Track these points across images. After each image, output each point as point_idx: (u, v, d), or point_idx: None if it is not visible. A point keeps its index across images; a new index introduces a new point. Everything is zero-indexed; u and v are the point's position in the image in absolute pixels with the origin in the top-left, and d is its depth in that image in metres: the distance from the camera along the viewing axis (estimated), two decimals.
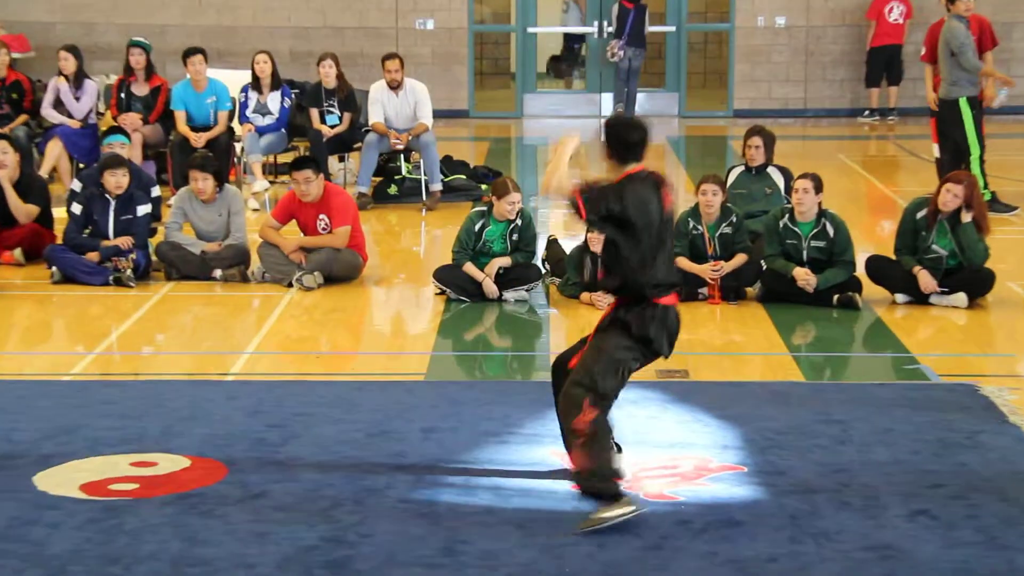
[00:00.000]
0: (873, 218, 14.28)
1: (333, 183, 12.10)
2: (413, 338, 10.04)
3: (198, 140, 14.18)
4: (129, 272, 10.95)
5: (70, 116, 14.69)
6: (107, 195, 11.23)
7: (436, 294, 10.67)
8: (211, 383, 8.58)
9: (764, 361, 9.18)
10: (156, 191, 12.03)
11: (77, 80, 14.75)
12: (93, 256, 11.07)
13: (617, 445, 6.71)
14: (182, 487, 6.60)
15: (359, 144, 14.78)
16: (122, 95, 14.72)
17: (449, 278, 10.57)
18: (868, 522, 6.18)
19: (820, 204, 10.37)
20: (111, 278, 10.95)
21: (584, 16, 23.72)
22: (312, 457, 7.01)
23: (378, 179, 14.90)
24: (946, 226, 10.28)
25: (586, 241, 10.44)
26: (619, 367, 6.27)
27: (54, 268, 11.09)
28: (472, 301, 10.49)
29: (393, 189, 14.73)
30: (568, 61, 25.03)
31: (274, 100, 14.69)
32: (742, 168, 11.87)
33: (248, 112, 14.67)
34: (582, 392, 6.21)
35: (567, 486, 6.57)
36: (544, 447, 7.07)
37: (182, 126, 14.44)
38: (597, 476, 6.21)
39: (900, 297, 10.40)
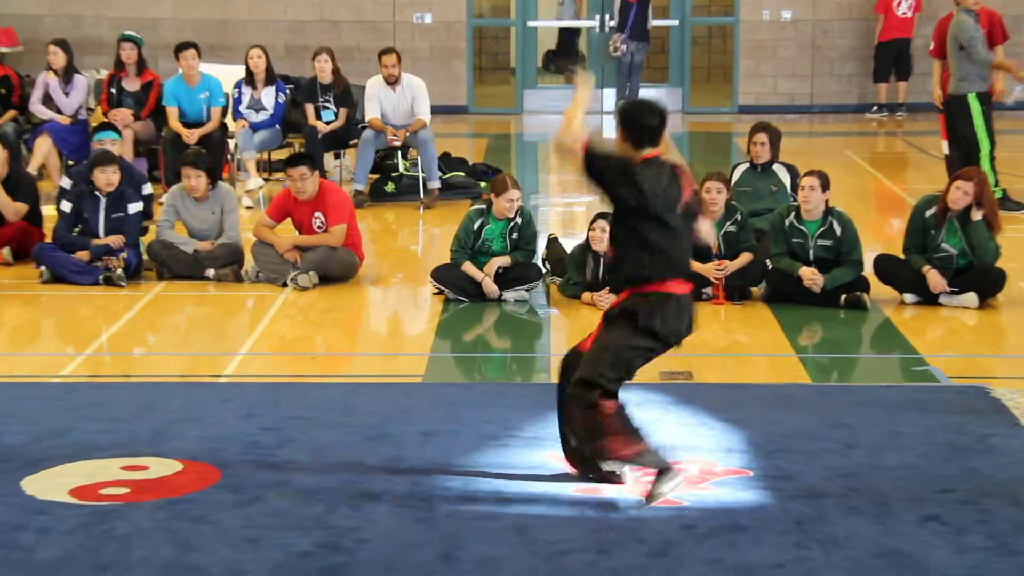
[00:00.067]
0: (881, 216, 14.29)
1: (329, 180, 12.10)
2: (411, 339, 10.03)
3: (191, 136, 14.17)
4: (120, 271, 10.94)
5: (59, 112, 14.68)
6: (97, 193, 11.22)
7: (434, 294, 10.66)
8: (204, 385, 8.57)
9: (769, 363, 9.17)
10: (148, 189, 12.02)
11: (67, 75, 14.75)
12: (83, 255, 11.06)
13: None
14: (174, 492, 6.59)
15: (355, 141, 14.77)
16: (113, 90, 14.72)
17: (447, 278, 10.56)
18: (876, 527, 6.17)
19: (827, 202, 10.36)
20: (101, 277, 10.94)
21: (579, 9, 23.75)
22: (307, 461, 7.00)
23: (375, 176, 14.90)
24: (956, 224, 10.27)
25: (588, 240, 10.45)
26: (627, 364, 6.36)
27: (43, 267, 11.09)
28: (471, 301, 10.48)
29: (390, 187, 14.73)
30: (564, 55, 24.95)
31: (268, 96, 14.69)
32: (747, 165, 11.87)
33: (242, 108, 14.67)
34: (592, 392, 6.28)
35: (568, 490, 6.56)
36: (544, 450, 7.06)
37: (174, 122, 14.43)
38: (648, 454, 6.33)
39: (909, 297, 10.39)
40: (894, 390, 8.38)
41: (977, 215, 10.22)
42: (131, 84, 14.74)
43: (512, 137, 20.50)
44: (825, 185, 10.30)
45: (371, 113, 14.50)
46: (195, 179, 11.25)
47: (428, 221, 13.99)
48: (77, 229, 11.26)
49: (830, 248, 10.31)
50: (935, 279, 10.24)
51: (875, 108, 21.26)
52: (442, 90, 20.24)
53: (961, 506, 6.41)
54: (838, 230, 10.31)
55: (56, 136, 14.52)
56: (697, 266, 10.37)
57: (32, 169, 14.11)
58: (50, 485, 6.66)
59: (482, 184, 14.67)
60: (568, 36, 25.01)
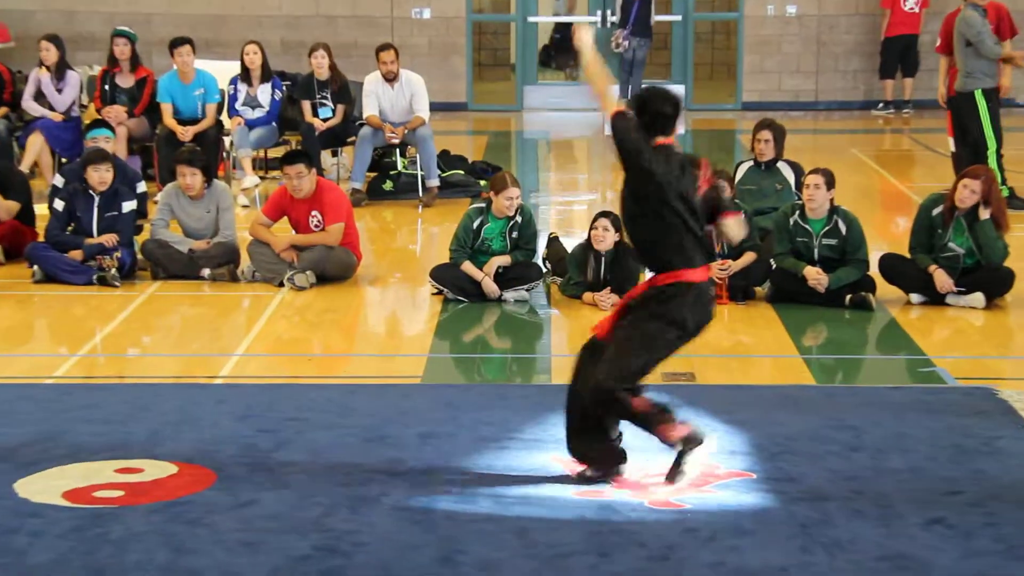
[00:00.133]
0: (887, 215, 14.30)
1: (326, 178, 12.11)
2: (409, 340, 10.05)
3: (185, 134, 14.19)
4: (114, 271, 10.95)
5: (52, 109, 14.69)
6: (91, 191, 11.23)
7: (433, 294, 10.67)
8: (199, 386, 8.59)
9: (773, 364, 9.19)
10: (142, 187, 12.03)
11: (59, 71, 14.75)
12: (76, 254, 11.07)
13: (622, 450, 6.78)
14: (169, 494, 6.60)
15: (353, 138, 14.78)
16: (106, 87, 14.73)
17: (446, 277, 10.58)
18: (882, 531, 6.19)
19: (832, 200, 10.37)
20: (95, 277, 10.96)
21: (571, 5, 23.78)
22: (304, 463, 7.01)
23: (373, 174, 14.92)
24: (963, 223, 10.29)
25: (589, 239, 10.46)
26: (650, 361, 6.50)
27: (36, 267, 11.10)
28: (470, 301, 10.50)
29: (388, 185, 14.74)
30: (563, 51, 24.90)
31: (264, 92, 14.71)
32: (751, 163, 11.88)
33: (237, 105, 14.69)
34: (620, 390, 6.42)
35: (569, 493, 6.58)
36: (545, 452, 7.08)
37: (169, 119, 14.45)
38: (694, 435, 6.49)
39: (915, 297, 10.40)
40: (900, 391, 8.39)
41: (984, 214, 10.23)
42: (125, 80, 14.75)
43: (512, 134, 20.51)
44: (830, 183, 10.32)
45: (369, 110, 14.51)
46: (190, 177, 11.26)
47: (427, 220, 14.01)
48: (70, 228, 11.28)
49: (835, 247, 10.33)
50: (942, 279, 10.25)
51: (881, 105, 21.27)
52: (441, 87, 20.25)
53: (968, 509, 6.42)
54: (843, 229, 10.32)
55: (48, 133, 14.53)
56: None
57: (24, 167, 14.12)
58: (43, 488, 6.67)
59: (482, 182, 14.68)
60: (557, 31, 24.93)
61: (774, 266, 10.49)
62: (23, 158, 14.50)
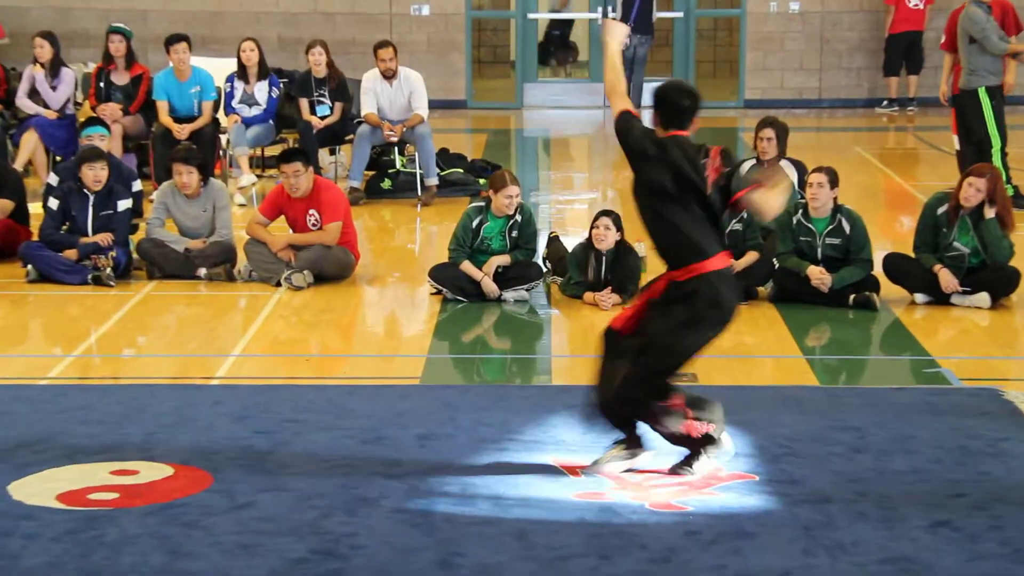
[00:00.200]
0: (891, 214, 14.30)
1: (323, 177, 12.12)
2: (408, 340, 10.05)
3: (181, 132, 14.19)
4: (109, 271, 10.96)
5: (46, 106, 14.70)
6: (85, 190, 11.23)
7: (432, 294, 10.68)
8: (195, 387, 8.59)
9: (776, 364, 9.19)
10: (137, 185, 12.02)
11: (53, 68, 14.76)
12: (71, 254, 11.07)
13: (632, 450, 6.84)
14: (165, 497, 6.61)
15: (351, 136, 14.79)
16: (101, 84, 14.73)
17: (445, 277, 10.58)
18: (886, 533, 6.19)
19: (835, 199, 10.38)
20: (90, 277, 10.96)
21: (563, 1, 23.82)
22: (301, 465, 7.01)
23: (371, 173, 14.92)
24: (968, 222, 10.29)
25: (590, 238, 10.46)
26: (680, 361, 6.61)
27: (30, 266, 11.10)
28: (469, 301, 10.50)
29: (387, 183, 14.75)
30: (554, 49, 24.88)
31: (261, 90, 14.71)
32: (753, 162, 11.87)
33: (234, 102, 14.69)
34: (650, 395, 6.51)
35: (569, 495, 6.58)
36: (545, 454, 7.08)
37: (165, 117, 14.45)
38: (716, 439, 6.64)
39: (920, 297, 10.41)
40: (904, 392, 8.39)
41: (990, 213, 10.23)
42: (120, 78, 14.76)
43: (512, 132, 20.51)
44: (834, 182, 10.32)
45: (367, 108, 14.51)
46: (186, 175, 11.26)
47: (426, 219, 14.01)
48: (65, 227, 11.27)
49: (839, 247, 10.33)
50: (947, 278, 10.26)
51: (885, 103, 21.27)
52: (440, 84, 20.26)
53: (973, 511, 6.42)
54: (847, 228, 10.32)
55: (43, 131, 14.54)
56: None
57: (18, 165, 14.13)
58: (37, 490, 6.67)
59: (481, 181, 14.68)
60: (553, 29, 24.86)
61: (777, 266, 10.49)
62: (17, 156, 14.51)
